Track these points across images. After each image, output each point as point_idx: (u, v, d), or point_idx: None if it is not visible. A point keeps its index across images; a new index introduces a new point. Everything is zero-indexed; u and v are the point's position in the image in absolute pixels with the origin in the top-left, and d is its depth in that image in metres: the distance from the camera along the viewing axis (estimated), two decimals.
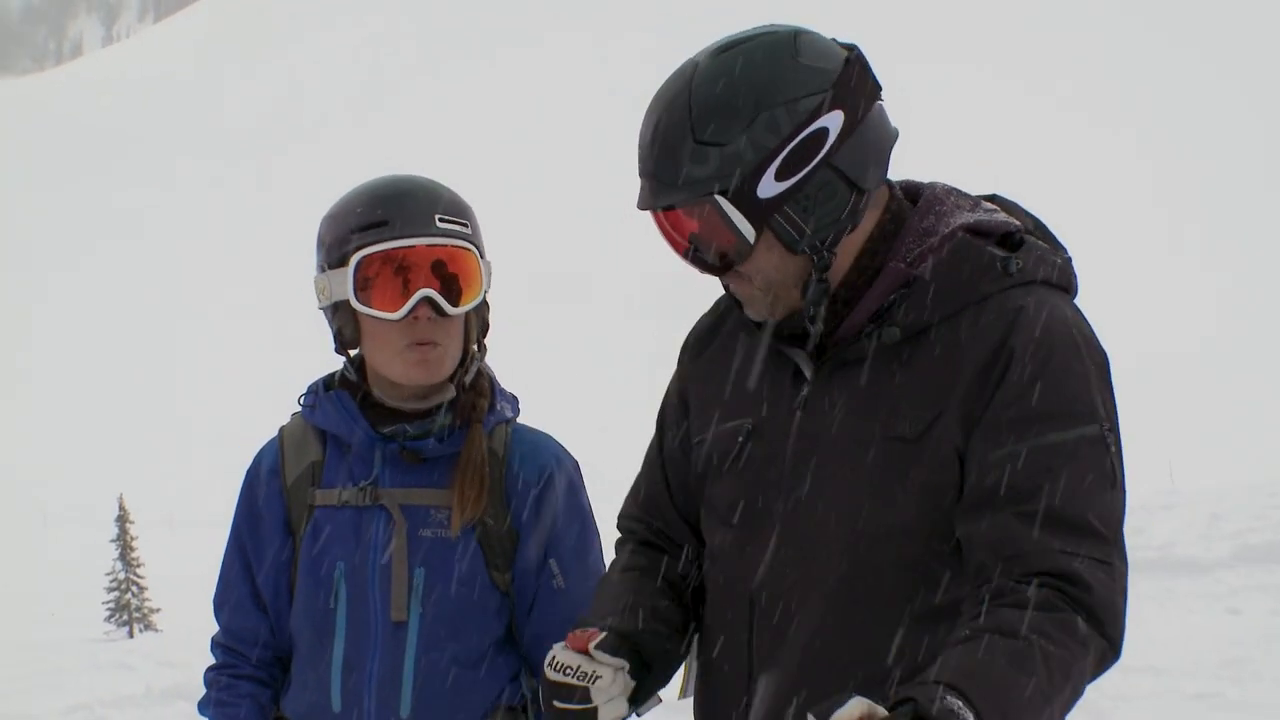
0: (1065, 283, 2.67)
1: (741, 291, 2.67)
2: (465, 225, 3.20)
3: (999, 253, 2.63)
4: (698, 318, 2.98)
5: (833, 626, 2.61)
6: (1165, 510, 18.24)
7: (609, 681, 2.62)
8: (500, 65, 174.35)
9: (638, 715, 2.74)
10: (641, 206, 2.66)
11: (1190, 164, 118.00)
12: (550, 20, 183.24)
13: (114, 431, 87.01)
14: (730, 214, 2.57)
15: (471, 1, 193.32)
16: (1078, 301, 2.71)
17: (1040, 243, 2.69)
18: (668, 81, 2.64)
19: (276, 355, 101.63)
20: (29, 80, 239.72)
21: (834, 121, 2.57)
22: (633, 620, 2.76)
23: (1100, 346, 2.62)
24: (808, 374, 2.69)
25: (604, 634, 2.66)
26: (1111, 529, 2.49)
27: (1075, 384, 2.53)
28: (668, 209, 2.63)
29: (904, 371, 2.60)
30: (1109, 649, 2.44)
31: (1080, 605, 2.40)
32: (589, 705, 2.62)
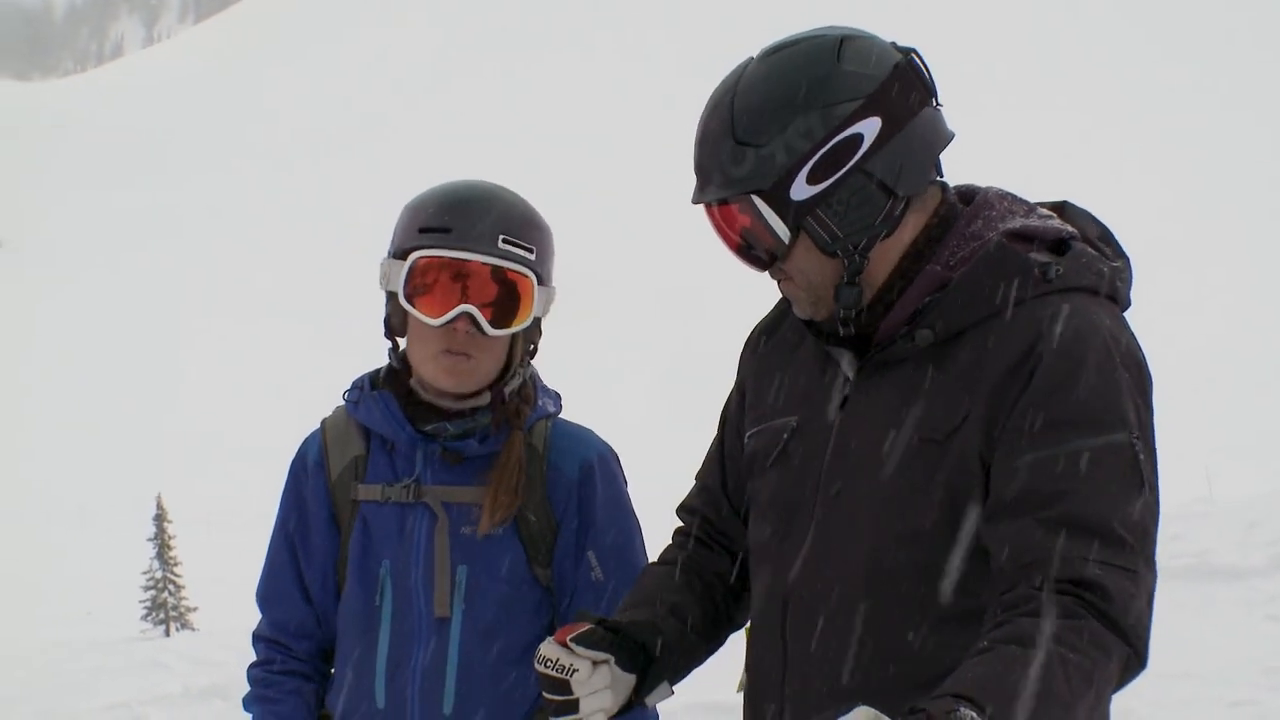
0: (1110, 290, 2.65)
1: (788, 290, 2.73)
2: (530, 250, 3.21)
3: (1040, 258, 2.62)
4: (758, 320, 3.01)
5: (859, 627, 2.62)
6: (1203, 518, 18.13)
7: (587, 674, 2.67)
8: (541, 69, 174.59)
9: (645, 704, 2.79)
10: (693, 201, 2.72)
11: (1231, 173, 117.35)
12: (561, 31, 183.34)
13: (152, 430, 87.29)
14: (766, 214, 2.62)
15: (496, 11, 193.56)
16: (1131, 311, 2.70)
17: (1090, 250, 2.68)
18: (721, 81, 2.70)
19: (313, 358, 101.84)
20: (71, 81, 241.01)
21: (870, 128, 2.59)
22: (641, 613, 2.81)
23: (1137, 355, 2.60)
24: (850, 375, 2.71)
25: (585, 628, 2.71)
26: (1137, 536, 2.45)
27: (1104, 391, 2.51)
28: (715, 204, 2.68)
29: (936, 374, 2.61)
30: (1133, 656, 2.42)
31: (1101, 613, 2.38)
32: (570, 697, 2.68)
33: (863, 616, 2.61)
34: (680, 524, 3.05)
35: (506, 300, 3.19)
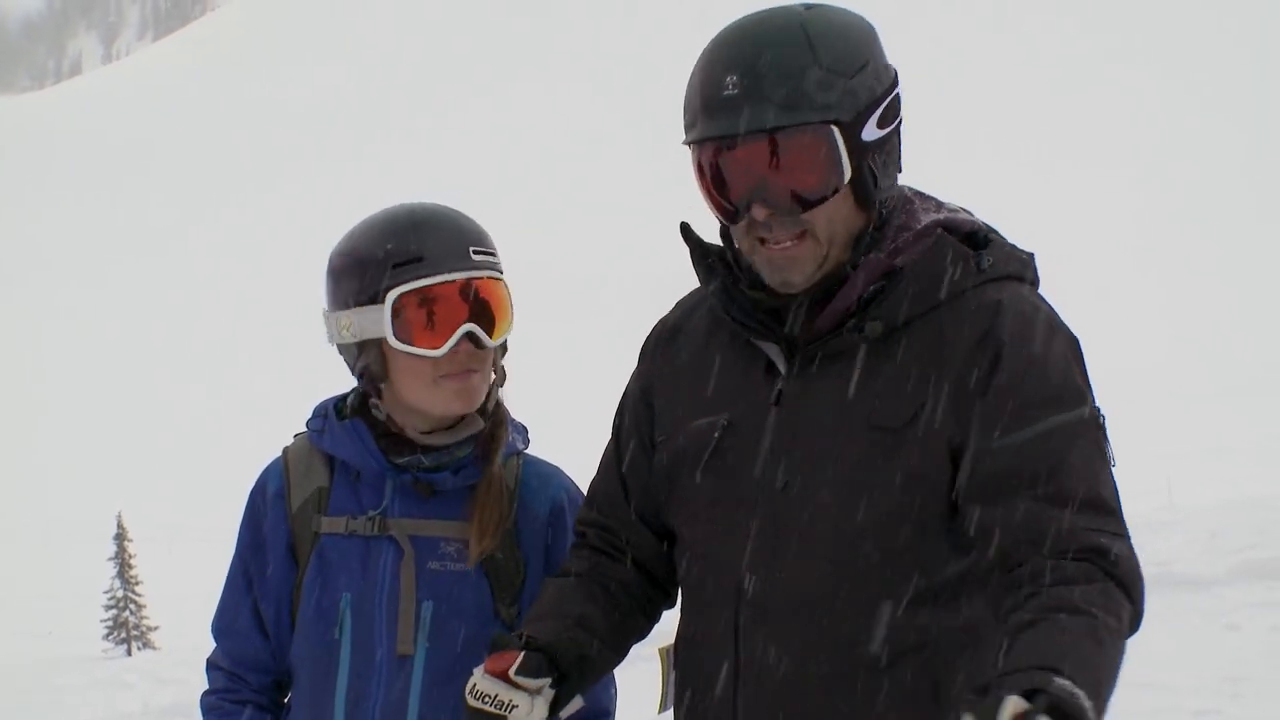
0: (1032, 278, 2.76)
1: (795, 251, 2.65)
2: (494, 255, 3.17)
3: (969, 250, 2.70)
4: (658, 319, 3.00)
5: (827, 613, 2.63)
6: (1165, 527, 18.20)
7: (526, 711, 2.64)
8: (509, 70, 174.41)
9: (559, 719, 2.75)
10: (753, 128, 2.58)
11: (1189, 181, 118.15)
12: (559, 32, 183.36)
13: (112, 448, 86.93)
14: (840, 147, 2.59)
15: (481, 11, 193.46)
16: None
17: (1004, 240, 2.77)
18: (755, 22, 2.65)
19: (275, 373, 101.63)
20: (28, 98, 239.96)
21: (899, 92, 2.69)
22: (553, 628, 2.78)
23: (1073, 335, 2.70)
24: (781, 368, 2.72)
25: (521, 657, 2.67)
26: (1117, 503, 2.57)
27: (1063, 369, 2.62)
28: (781, 131, 2.58)
29: (886, 363, 2.64)
30: (1137, 617, 2.51)
31: (1112, 577, 2.46)
32: None
33: (832, 602, 2.63)
34: (577, 537, 3.03)
35: (493, 309, 3.13)
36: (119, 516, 38.86)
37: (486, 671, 2.67)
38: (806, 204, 2.61)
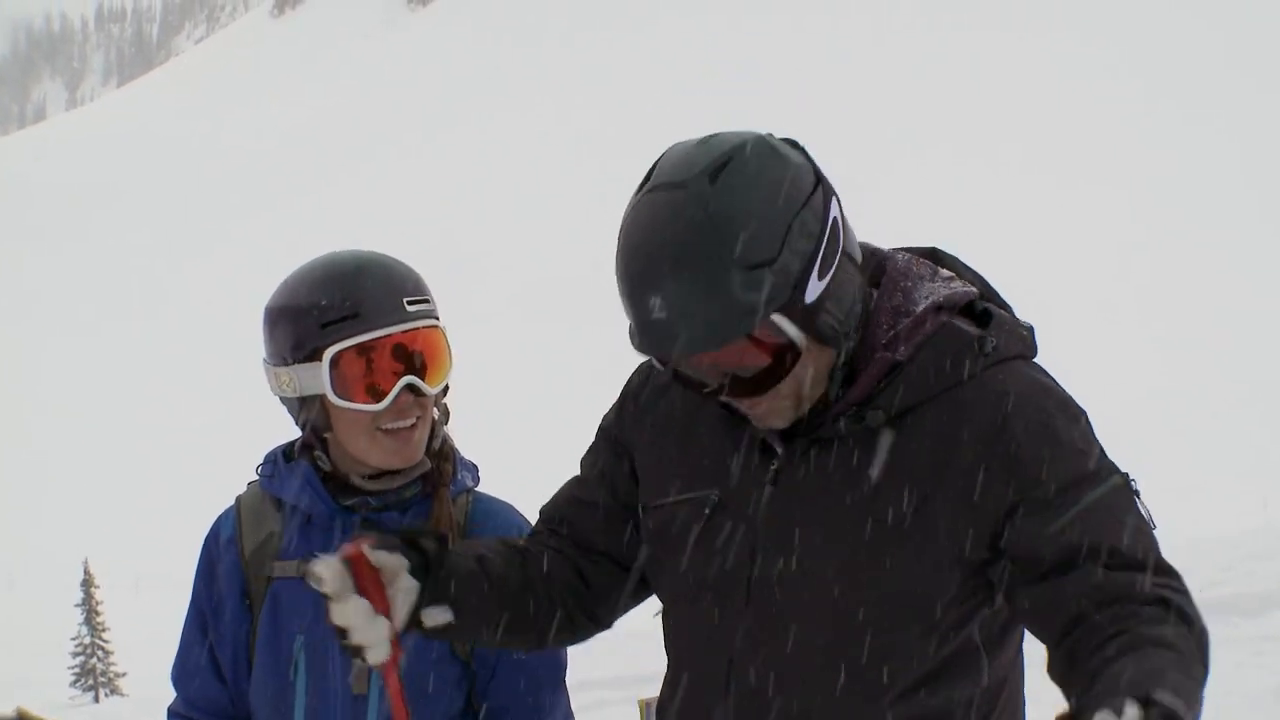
0: (1033, 353, 2.71)
1: (764, 408, 2.61)
2: (429, 302, 3.19)
3: (973, 331, 2.65)
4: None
5: (821, 697, 2.60)
6: None
7: (376, 634, 2.62)
8: (495, 91, 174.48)
9: (423, 624, 2.70)
10: (679, 352, 2.53)
11: (1162, 213, 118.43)
12: (548, 50, 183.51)
13: (78, 495, 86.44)
14: (787, 329, 2.51)
15: (455, 36, 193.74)
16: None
17: (1004, 314, 2.72)
18: (660, 223, 2.52)
19: (250, 419, 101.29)
20: None
21: (835, 208, 2.57)
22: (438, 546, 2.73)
23: (1079, 405, 2.65)
24: (778, 449, 2.67)
25: (382, 536, 2.67)
26: (1169, 563, 2.50)
27: (1085, 445, 2.57)
28: (729, 343, 2.51)
29: (888, 450, 2.60)
30: (1206, 672, 2.41)
31: (1190, 630, 2.39)
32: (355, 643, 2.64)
33: (827, 686, 2.60)
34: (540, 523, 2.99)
35: (430, 357, 3.15)
36: (85, 563, 38.70)
37: (342, 557, 2.64)
38: (767, 386, 2.57)
